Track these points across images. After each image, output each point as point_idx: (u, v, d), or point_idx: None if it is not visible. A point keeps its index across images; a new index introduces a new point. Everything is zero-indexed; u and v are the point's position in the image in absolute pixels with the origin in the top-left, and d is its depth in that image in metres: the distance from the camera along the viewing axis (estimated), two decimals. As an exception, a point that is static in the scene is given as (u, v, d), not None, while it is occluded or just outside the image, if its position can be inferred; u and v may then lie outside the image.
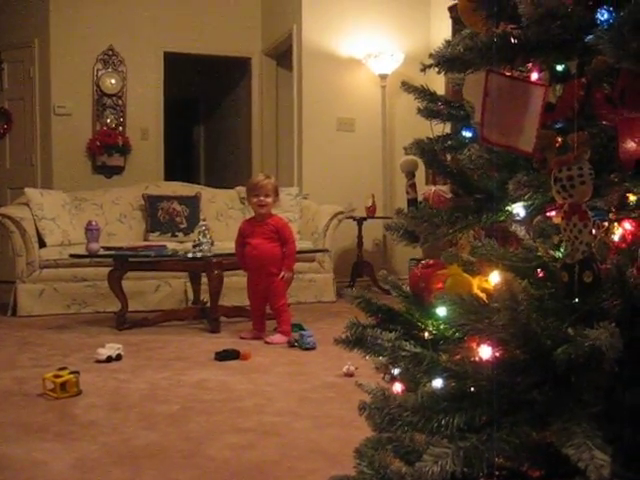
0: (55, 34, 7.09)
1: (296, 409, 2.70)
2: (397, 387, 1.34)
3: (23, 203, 5.40)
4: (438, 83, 6.55)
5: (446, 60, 1.03)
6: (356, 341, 1.37)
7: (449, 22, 5.71)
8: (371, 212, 6.28)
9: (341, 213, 5.82)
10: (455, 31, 5.49)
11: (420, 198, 1.52)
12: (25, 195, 5.46)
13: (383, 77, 6.57)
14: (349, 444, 2.28)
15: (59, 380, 2.86)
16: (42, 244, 5.22)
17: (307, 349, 3.79)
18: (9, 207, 5.46)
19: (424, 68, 1.17)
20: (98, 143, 7.16)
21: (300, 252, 5.27)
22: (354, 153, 6.75)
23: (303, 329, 4.11)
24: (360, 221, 6.24)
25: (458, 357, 1.21)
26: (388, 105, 6.75)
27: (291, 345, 3.88)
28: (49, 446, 2.29)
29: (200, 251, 4.39)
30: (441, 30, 6.52)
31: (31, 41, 7.18)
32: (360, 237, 6.26)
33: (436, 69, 1.17)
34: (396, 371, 1.38)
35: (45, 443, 2.32)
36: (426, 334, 1.36)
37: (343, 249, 6.48)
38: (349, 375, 3.19)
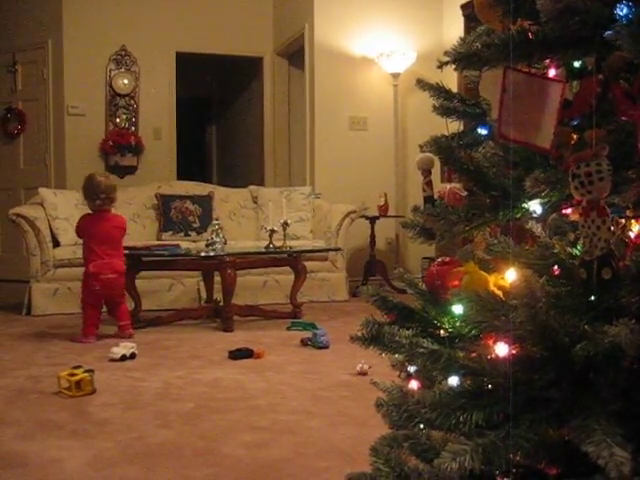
0: (68, 35, 7.12)
1: (310, 407, 2.70)
2: (413, 384, 1.34)
3: (37, 203, 5.43)
4: (451, 81, 6.55)
5: (463, 57, 1.03)
6: (372, 339, 1.37)
7: (461, 20, 5.70)
8: (383, 211, 6.27)
9: (354, 212, 5.81)
10: (468, 29, 5.48)
11: (435, 196, 1.52)
12: (39, 195, 5.49)
13: (395, 76, 6.56)
14: (363, 442, 2.28)
15: (74, 378, 2.87)
16: (56, 243, 5.25)
17: (320, 348, 3.79)
18: (23, 207, 5.49)
19: (440, 65, 1.17)
20: (111, 143, 7.19)
21: (313, 251, 5.28)
22: (366, 152, 6.75)
23: (316, 328, 4.11)
24: (373, 220, 6.23)
25: (474, 354, 1.21)
26: (400, 104, 6.74)
27: (304, 344, 3.88)
28: (65, 443, 2.30)
29: (213, 250, 4.40)
30: (454, 28, 6.50)
31: (44, 42, 7.22)
32: (373, 236, 6.26)
33: (452, 66, 1.17)
34: (412, 368, 1.38)
35: (61, 440, 2.33)
36: (442, 332, 1.36)
37: (356, 248, 6.48)
38: (362, 374, 3.19)
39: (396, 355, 1.34)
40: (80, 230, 4.23)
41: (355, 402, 2.77)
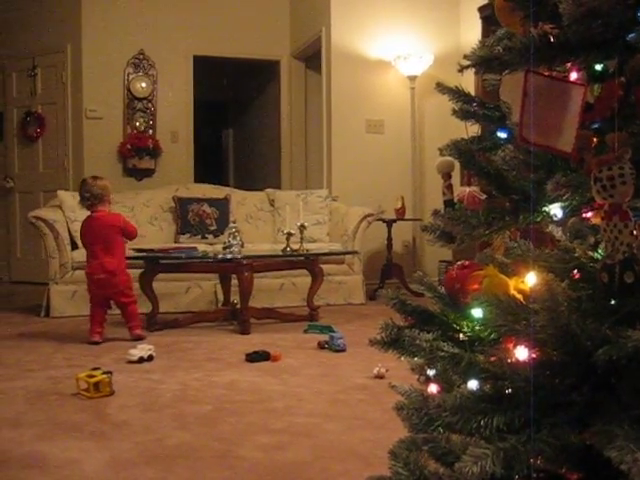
0: (87, 39, 7.18)
1: (327, 411, 2.70)
2: (432, 388, 1.34)
3: (56, 206, 5.48)
4: (469, 84, 6.53)
5: (483, 61, 1.03)
6: (391, 342, 1.37)
7: (479, 23, 5.68)
8: (400, 214, 6.26)
9: (370, 215, 5.81)
10: (485, 31, 5.46)
11: (455, 199, 1.51)
12: (58, 198, 5.54)
13: (412, 79, 6.55)
14: (381, 445, 2.28)
15: (92, 380, 2.89)
16: (74, 246, 5.28)
17: (337, 351, 3.79)
18: (42, 210, 5.53)
19: (461, 69, 1.17)
20: (129, 146, 7.24)
21: (330, 254, 5.29)
22: (383, 155, 6.74)
23: (333, 331, 4.11)
24: (389, 223, 6.22)
25: (494, 358, 1.21)
26: (417, 107, 6.73)
27: (321, 347, 3.88)
28: (83, 445, 2.32)
29: (230, 253, 4.41)
30: (471, 31, 6.48)
31: (64, 47, 7.29)
32: (389, 239, 6.25)
33: (472, 70, 1.17)
34: (431, 372, 1.38)
35: (79, 442, 2.35)
36: (461, 335, 1.36)
37: (372, 251, 6.48)
38: (380, 377, 3.19)
39: (415, 359, 1.34)
40: (79, 233, 4.31)
41: (372, 405, 2.77)
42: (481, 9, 5.53)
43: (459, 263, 1.33)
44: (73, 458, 2.19)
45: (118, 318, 4.31)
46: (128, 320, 4.21)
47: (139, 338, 4.12)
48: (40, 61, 7.46)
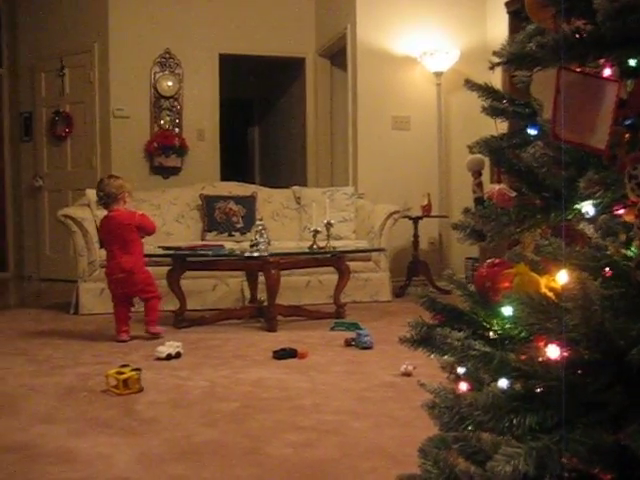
0: (114, 39, 7.25)
1: (355, 408, 2.70)
2: (462, 386, 1.33)
3: (84, 204, 5.53)
4: (496, 79, 6.47)
5: (515, 58, 1.02)
6: (421, 340, 1.36)
7: (506, 18, 5.63)
8: (427, 211, 6.23)
9: (397, 212, 5.79)
10: (513, 27, 5.41)
11: (485, 197, 1.51)
12: (86, 196, 5.59)
13: (438, 75, 6.52)
14: (409, 443, 2.28)
15: (122, 377, 2.92)
16: (102, 244, 5.32)
17: (364, 348, 3.79)
18: (71, 208, 5.60)
19: (492, 66, 1.16)
20: (155, 144, 7.29)
21: (356, 251, 5.28)
22: (409, 151, 6.72)
23: (360, 328, 4.11)
24: (416, 220, 6.20)
25: (525, 357, 1.20)
26: (444, 102, 6.70)
27: (348, 344, 3.88)
28: (113, 440, 2.34)
29: (257, 250, 4.42)
30: (498, 26, 6.43)
31: (91, 46, 7.36)
32: (416, 236, 6.22)
33: (499, 66, 1.16)
34: (461, 370, 1.37)
35: (109, 437, 2.38)
36: (491, 333, 1.35)
37: (399, 248, 6.46)
38: (407, 374, 3.18)
39: (445, 357, 1.33)
40: (98, 233, 4.35)
41: (400, 403, 2.76)
42: (508, 4, 5.48)
43: (489, 261, 1.32)
44: (103, 453, 2.22)
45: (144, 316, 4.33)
46: (145, 314, 4.25)
47: (155, 336, 4.15)
48: (68, 61, 7.55)
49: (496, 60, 1.11)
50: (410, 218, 6.18)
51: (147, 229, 4.27)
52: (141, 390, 2.95)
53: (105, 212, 4.32)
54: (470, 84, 1.41)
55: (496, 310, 1.32)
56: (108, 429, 2.47)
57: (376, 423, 2.51)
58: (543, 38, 0.94)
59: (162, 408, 2.73)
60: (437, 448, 1.38)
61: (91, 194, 5.57)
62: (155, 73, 7.40)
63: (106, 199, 4.23)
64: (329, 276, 5.19)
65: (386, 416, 2.60)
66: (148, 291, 4.24)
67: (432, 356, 1.38)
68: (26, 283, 7.86)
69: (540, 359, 1.13)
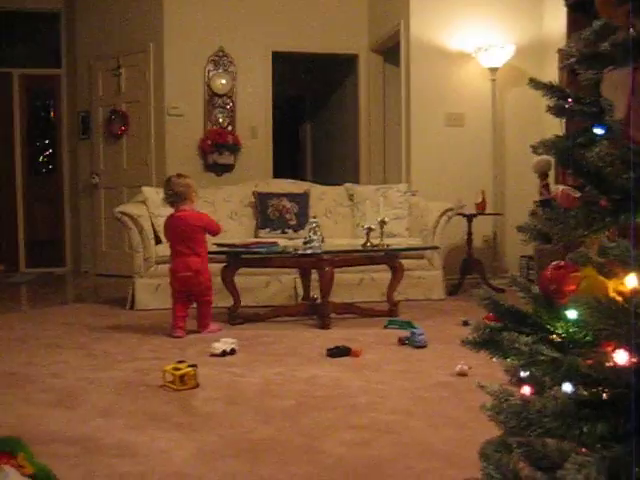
0: (169, 38, 7.34)
1: (410, 408, 2.69)
2: (525, 390, 1.32)
3: (140, 201, 5.62)
4: (551, 74, 6.35)
5: (587, 57, 0.99)
6: (483, 342, 1.35)
7: (564, 11, 5.50)
8: (481, 208, 6.16)
9: (451, 210, 5.73)
10: (572, 21, 5.28)
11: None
12: (142, 194, 5.68)
13: (493, 70, 6.42)
14: (465, 445, 2.27)
15: (178, 373, 2.96)
16: (158, 241, 5.40)
17: (418, 347, 3.76)
18: (128, 205, 5.69)
19: (563, 66, 1.13)
20: (209, 142, 7.36)
21: (410, 249, 5.25)
22: (463, 148, 6.65)
23: (413, 327, 4.09)
24: (470, 217, 6.13)
25: (591, 361, 1.18)
26: (498, 98, 6.60)
27: (402, 343, 3.86)
28: (171, 435, 2.38)
29: (311, 248, 4.43)
30: (555, 20, 6.31)
31: (147, 46, 7.47)
32: (470, 234, 6.15)
33: (553, 60, 1.13)
34: (524, 373, 1.35)
35: (167, 432, 2.41)
36: (555, 337, 1.33)
37: (452, 246, 6.39)
38: (462, 374, 3.14)
39: (509, 360, 1.31)
40: (163, 231, 4.40)
41: (455, 403, 2.74)
42: (568, -4, 5.34)
43: (554, 263, 1.29)
44: (162, 448, 2.25)
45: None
46: (199, 317, 4.32)
47: (215, 331, 4.24)
48: (124, 61, 7.68)
49: (559, 56, 1.08)
50: (464, 215, 6.11)
51: (213, 231, 4.35)
52: (197, 386, 2.99)
53: (170, 209, 4.39)
54: (534, 83, 1.38)
55: (561, 313, 1.30)
56: (166, 424, 2.51)
57: (432, 423, 2.50)
58: (617, 37, 0.92)
59: (218, 404, 2.76)
60: (498, 452, 1.36)
61: (147, 191, 5.68)
62: (209, 71, 7.48)
63: (174, 198, 4.28)
64: (382, 274, 5.17)
65: (442, 416, 2.58)
66: (206, 294, 4.30)
67: (494, 359, 1.36)
68: (82, 278, 8.03)
69: (608, 364, 1.10)
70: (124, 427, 2.47)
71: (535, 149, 1.37)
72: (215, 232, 4.35)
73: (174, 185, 4.27)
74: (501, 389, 1.46)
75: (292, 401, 2.79)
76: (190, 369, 2.98)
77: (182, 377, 2.95)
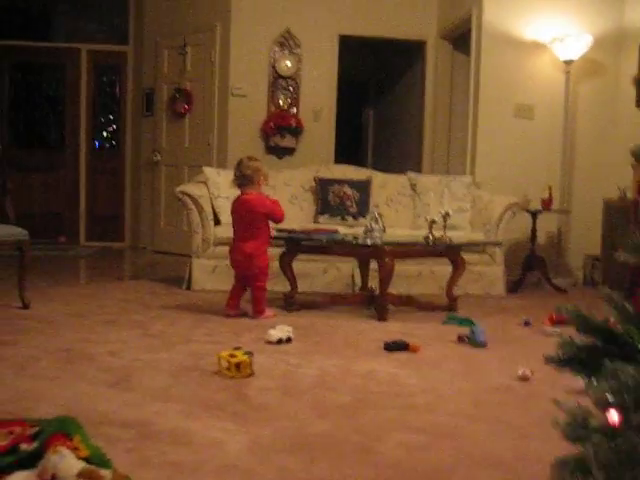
0: (235, 19, 7.29)
1: (470, 411, 2.60)
2: (613, 416, 1.21)
3: (201, 181, 5.61)
4: (631, 67, 6.10)
5: None
6: (568, 360, 1.25)
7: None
8: (547, 205, 5.95)
9: (516, 205, 5.57)
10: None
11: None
12: (203, 174, 5.67)
13: (568, 62, 6.18)
14: (527, 455, 2.18)
15: (234, 360, 2.92)
16: (217, 222, 5.39)
17: (478, 346, 3.65)
18: (189, 185, 5.68)
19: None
20: (272, 124, 7.31)
21: (473, 244, 5.13)
22: (531, 142, 6.45)
23: (473, 324, 3.98)
24: (535, 214, 5.93)
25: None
26: (572, 92, 6.37)
27: (461, 340, 3.75)
28: (226, 425, 2.34)
29: (372, 238, 4.34)
30: (637, 10, 6.05)
31: (214, 26, 7.44)
32: (534, 230, 5.95)
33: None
34: (612, 398, 1.25)
35: (222, 422, 2.37)
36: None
37: (514, 241, 6.22)
38: (524, 379, 3.03)
39: (598, 384, 1.22)
40: (230, 212, 4.40)
41: (517, 410, 2.64)
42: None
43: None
44: (216, 438, 2.22)
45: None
46: (254, 304, 4.30)
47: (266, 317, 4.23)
48: (190, 39, 7.67)
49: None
50: (529, 211, 5.92)
51: (276, 217, 4.31)
52: (252, 374, 2.95)
53: (231, 192, 4.44)
54: None
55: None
56: (221, 412, 2.47)
57: (492, 430, 2.40)
58: None
59: (273, 395, 2.71)
60: (575, 475, 1.27)
61: (208, 172, 5.66)
62: (274, 53, 7.41)
63: (242, 179, 4.27)
64: (442, 267, 5.07)
65: (503, 423, 2.48)
66: (260, 279, 4.26)
67: (580, 379, 1.27)
68: (140, 254, 8.11)
69: None
70: (179, 413, 2.45)
71: (637, 155, 1.27)
72: (279, 219, 4.31)
73: (243, 167, 4.26)
74: (579, 409, 1.37)
75: (349, 396, 2.72)
76: (246, 357, 2.94)
77: (238, 365, 2.92)
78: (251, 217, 4.23)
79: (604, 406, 1.27)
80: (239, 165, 4.32)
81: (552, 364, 1.27)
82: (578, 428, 1.36)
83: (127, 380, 2.84)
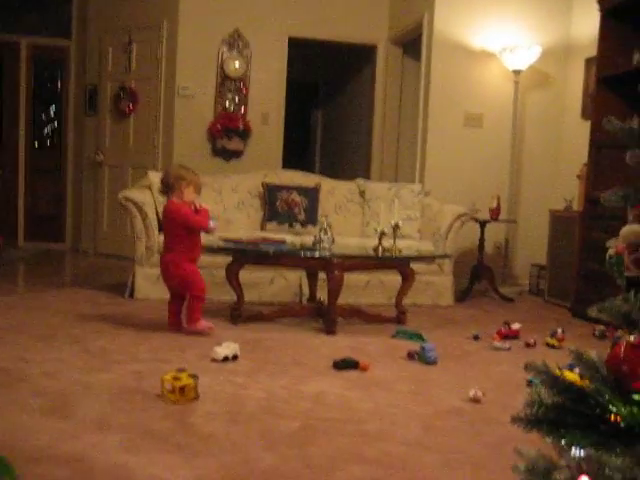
0: (183, 16, 7.11)
1: (422, 439, 2.53)
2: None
3: (145, 186, 5.43)
4: (577, 79, 6.15)
5: None
6: (536, 421, 1.18)
7: (595, 15, 5.27)
8: (495, 214, 5.96)
9: (465, 215, 5.55)
10: (606, 28, 5.05)
11: (612, 251, 1.30)
12: (147, 178, 5.49)
13: (517, 72, 6.20)
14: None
15: (178, 383, 2.79)
16: (161, 228, 5.22)
17: (428, 364, 3.60)
18: (132, 190, 5.50)
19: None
20: (219, 126, 7.16)
21: (423, 258, 5.08)
22: (480, 150, 6.46)
23: (422, 339, 3.93)
24: (483, 223, 5.93)
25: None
26: (520, 102, 6.39)
27: (411, 357, 3.69)
28: (169, 459, 2.22)
29: (321, 249, 4.25)
30: (584, 22, 6.10)
31: (160, 22, 7.24)
32: (482, 240, 5.96)
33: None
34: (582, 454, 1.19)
35: (165, 455, 2.25)
36: (616, 418, 1.17)
37: (462, 250, 6.21)
38: (476, 400, 2.99)
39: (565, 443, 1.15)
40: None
41: (471, 436, 2.58)
42: (602, 1, 5.11)
43: (629, 339, 1.12)
44: (159, 475, 2.09)
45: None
46: (186, 312, 4.13)
47: (199, 332, 4.05)
48: (136, 36, 7.45)
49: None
50: (477, 221, 5.92)
51: (192, 227, 4.09)
52: (197, 398, 2.83)
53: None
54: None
55: (629, 397, 1.14)
56: (163, 444, 2.35)
57: (446, 460, 2.34)
58: None
59: (219, 422, 2.60)
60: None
61: (153, 176, 5.48)
62: (222, 53, 7.25)
63: (164, 187, 4.16)
64: (391, 277, 5.01)
65: (457, 452, 2.42)
66: (191, 288, 4.09)
67: (548, 440, 1.20)
68: (81, 258, 7.87)
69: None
70: (118, 446, 2.31)
71: (606, 200, 1.20)
72: (198, 228, 4.11)
73: (166, 175, 4.17)
74: (539, 456, 1.31)
75: (297, 423, 2.63)
76: (191, 380, 2.82)
77: (182, 388, 2.79)
78: (170, 226, 4.13)
79: (576, 465, 1.21)
80: (164, 172, 4.27)
81: (519, 425, 1.19)
82: (539, 478, 1.30)
83: (63, 407, 2.68)
